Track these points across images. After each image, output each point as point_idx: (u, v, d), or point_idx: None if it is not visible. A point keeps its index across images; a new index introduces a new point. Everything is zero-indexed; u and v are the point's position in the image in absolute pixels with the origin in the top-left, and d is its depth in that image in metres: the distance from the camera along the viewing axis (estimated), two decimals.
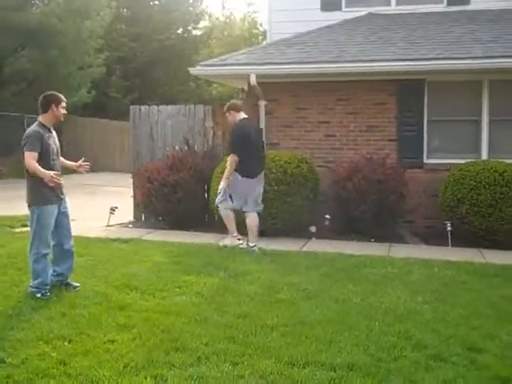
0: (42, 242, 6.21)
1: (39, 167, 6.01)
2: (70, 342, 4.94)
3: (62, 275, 6.50)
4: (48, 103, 6.26)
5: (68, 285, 6.48)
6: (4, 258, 7.88)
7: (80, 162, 6.65)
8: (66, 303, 5.93)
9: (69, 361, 4.55)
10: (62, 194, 6.41)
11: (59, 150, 6.45)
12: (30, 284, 6.23)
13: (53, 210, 6.23)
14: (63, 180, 6.36)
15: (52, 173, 6.03)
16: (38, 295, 6.09)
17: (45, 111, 6.27)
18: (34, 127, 6.23)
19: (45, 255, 6.23)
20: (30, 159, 6.03)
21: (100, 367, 4.43)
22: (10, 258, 7.86)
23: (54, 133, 6.38)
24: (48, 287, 6.22)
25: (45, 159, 6.13)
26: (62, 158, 6.59)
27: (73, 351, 4.73)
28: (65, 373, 4.37)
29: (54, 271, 6.46)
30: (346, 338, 5.13)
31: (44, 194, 6.16)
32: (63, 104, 6.31)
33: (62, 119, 6.40)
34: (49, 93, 6.37)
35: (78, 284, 6.50)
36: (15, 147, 22.73)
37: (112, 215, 10.66)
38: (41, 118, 6.27)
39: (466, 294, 6.51)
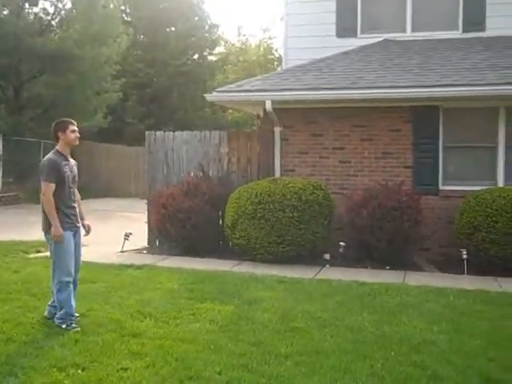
0: (62, 270, 6.13)
1: (54, 212, 6.01)
2: (83, 369, 4.93)
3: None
4: (55, 131, 6.28)
5: None
6: (18, 283, 7.88)
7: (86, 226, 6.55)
8: (79, 331, 5.91)
9: None
10: (78, 222, 6.36)
11: (76, 178, 6.39)
12: (57, 315, 6.14)
13: (69, 236, 6.16)
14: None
15: (60, 234, 6.03)
16: (64, 326, 6.00)
17: (56, 140, 6.30)
18: (50, 155, 6.24)
19: (67, 283, 6.12)
20: (48, 192, 6.02)
21: None
22: (24, 283, 7.87)
23: (71, 161, 6.35)
24: (74, 318, 6.12)
25: (61, 187, 6.12)
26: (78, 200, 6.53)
27: (86, 379, 4.72)
28: None
29: (53, 301, 6.32)
30: (361, 367, 5.09)
31: (62, 220, 6.12)
32: (71, 128, 6.25)
33: (76, 143, 6.30)
34: (56, 121, 6.37)
35: (77, 314, 6.32)
36: (31, 172, 23.06)
37: (126, 241, 10.68)
38: (57, 146, 6.29)
39: (483, 324, 6.43)
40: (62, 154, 6.25)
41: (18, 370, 4.89)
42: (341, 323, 6.35)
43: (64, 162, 6.21)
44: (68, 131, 6.23)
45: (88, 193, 19.78)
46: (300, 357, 5.31)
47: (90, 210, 16.96)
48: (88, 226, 6.56)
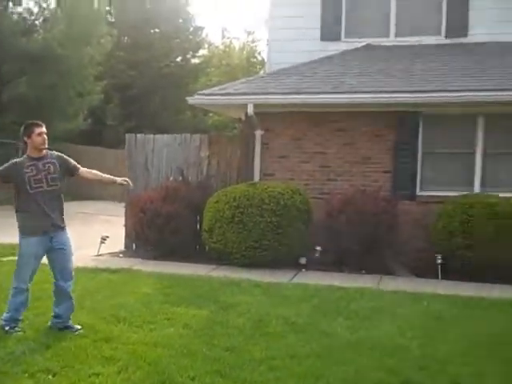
0: (19, 276, 5.99)
1: None
2: (54, 375, 4.87)
3: (59, 317, 6.13)
4: (22, 137, 6.02)
5: (68, 328, 6.11)
6: None
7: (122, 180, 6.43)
8: (51, 335, 5.85)
9: None
10: (53, 226, 6.03)
11: (52, 177, 5.97)
12: (2, 316, 6.05)
13: (31, 242, 5.93)
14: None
15: None
16: (6, 328, 5.90)
17: (25, 144, 6.04)
18: (17, 159, 6.07)
19: (21, 291, 5.97)
20: None
21: None
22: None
23: (46, 160, 6.00)
24: (18, 323, 6.00)
25: (22, 188, 5.89)
26: (96, 172, 6.45)
27: None
28: None
29: (53, 312, 6.15)
30: (334, 372, 5.09)
31: (24, 224, 5.97)
32: (37, 131, 5.91)
33: (43, 146, 5.96)
34: (23, 125, 6.06)
35: (79, 327, 6.15)
36: None
37: (103, 244, 10.62)
38: (27, 151, 6.04)
39: (455, 329, 6.48)
40: (33, 158, 5.97)
41: None
42: (315, 328, 6.36)
43: (29, 163, 5.93)
44: (34, 135, 5.91)
45: (67, 195, 19.62)
46: (274, 361, 5.30)
47: (68, 212, 16.89)
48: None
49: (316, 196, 10.67)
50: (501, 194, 9.65)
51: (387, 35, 12.74)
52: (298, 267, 9.77)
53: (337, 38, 12.81)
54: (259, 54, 33.44)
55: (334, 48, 12.49)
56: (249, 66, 32.51)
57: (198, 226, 10.75)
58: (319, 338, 6.04)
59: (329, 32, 12.81)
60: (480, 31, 12.03)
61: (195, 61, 33.12)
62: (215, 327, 6.29)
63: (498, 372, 5.25)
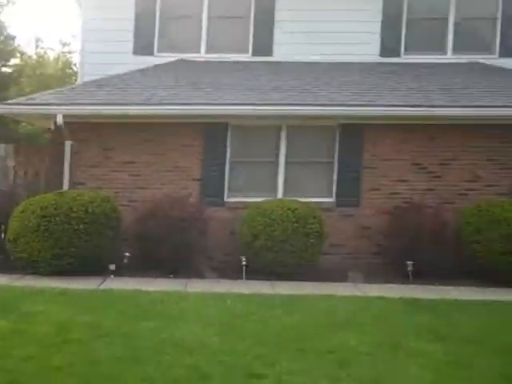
0: None
1: None
2: None
3: None
4: None
5: None
6: None
7: None
8: None
9: None
10: None
11: None
12: None
13: None
14: None
15: None
16: None
17: None
18: None
19: None
20: None
21: None
22: None
23: None
24: None
25: None
26: None
27: None
28: None
29: None
30: (135, 373, 5.17)
31: None
32: None
33: None
34: None
35: None
36: None
37: None
38: None
39: (254, 325, 6.81)
40: None
41: None
42: (119, 332, 6.39)
43: None
44: None
45: None
46: (73, 368, 5.27)
47: None
48: None
49: (126, 204, 10.72)
50: (301, 199, 10.31)
51: (198, 51, 13.15)
52: (107, 274, 9.69)
53: (150, 53, 13.05)
54: (75, 65, 32.69)
55: (147, 62, 12.69)
56: (64, 77, 31.62)
57: (3, 236, 10.32)
58: (123, 341, 6.08)
59: (142, 46, 13.02)
60: (284, 52, 12.85)
61: (6, 70, 31.67)
62: (14, 337, 6.10)
63: (289, 361, 5.62)
